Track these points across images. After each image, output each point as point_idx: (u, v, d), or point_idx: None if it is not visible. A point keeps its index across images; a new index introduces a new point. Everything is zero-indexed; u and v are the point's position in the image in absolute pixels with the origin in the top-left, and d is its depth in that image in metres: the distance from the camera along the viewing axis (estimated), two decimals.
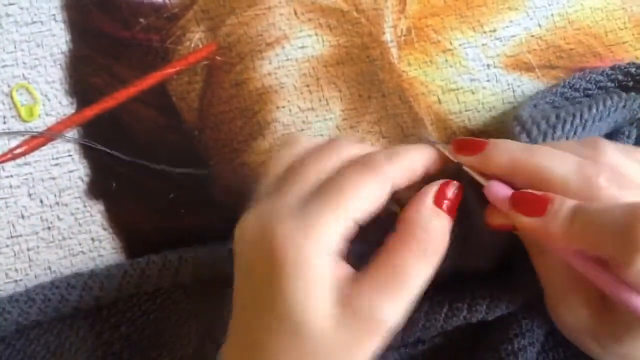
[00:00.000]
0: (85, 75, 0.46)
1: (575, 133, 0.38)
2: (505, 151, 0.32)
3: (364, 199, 0.30)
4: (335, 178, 0.30)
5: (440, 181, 0.32)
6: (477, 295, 0.35)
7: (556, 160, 0.30)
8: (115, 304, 0.42)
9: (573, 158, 0.30)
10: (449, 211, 0.31)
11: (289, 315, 0.28)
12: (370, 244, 0.31)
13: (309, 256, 0.28)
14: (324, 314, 0.28)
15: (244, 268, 0.31)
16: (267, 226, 0.29)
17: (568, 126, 0.37)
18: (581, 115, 0.38)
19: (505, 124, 0.45)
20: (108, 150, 0.44)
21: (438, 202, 0.31)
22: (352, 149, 0.33)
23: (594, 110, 0.38)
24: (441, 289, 0.36)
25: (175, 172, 0.44)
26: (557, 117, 0.37)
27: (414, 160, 0.32)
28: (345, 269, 0.30)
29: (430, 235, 0.30)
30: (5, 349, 0.41)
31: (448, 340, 0.38)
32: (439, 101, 0.47)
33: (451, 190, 0.31)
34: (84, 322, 0.41)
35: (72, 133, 0.45)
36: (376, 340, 0.29)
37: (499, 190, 0.31)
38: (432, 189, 0.31)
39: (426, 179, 0.33)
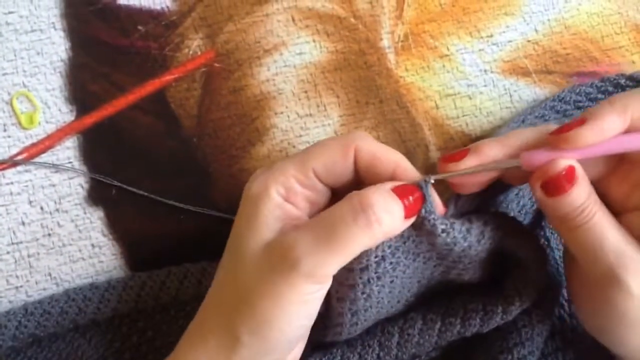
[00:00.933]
0: (84, 82, 0.47)
1: None
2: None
3: (325, 152, 0.33)
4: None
5: (403, 182, 0.32)
6: (470, 309, 0.35)
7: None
8: (129, 314, 0.42)
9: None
10: (407, 209, 0.31)
11: (235, 239, 0.33)
12: None
13: (261, 191, 0.33)
14: (257, 243, 0.31)
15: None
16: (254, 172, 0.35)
17: None
18: None
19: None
20: (123, 186, 0.45)
21: (397, 192, 0.31)
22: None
23: None
24: (433, 303, 0.36)
25: (191, 209, 0.45)
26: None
27: (386, 150, 0.33)
28: (294, 210, 0.33)
29: (380, 206, 0.30)
30: (16, 356, 0.41)
31: (444, 352, 0.38)
32: (437, 106, 0.47)
33: (412, 192, 0.32)
34: (96, 330, 0.41)
35: (72, 140, 0.46)
36: (288, 282, 0.30)
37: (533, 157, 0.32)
38: (394, 182, 0.32)
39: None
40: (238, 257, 0.32)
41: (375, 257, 0.32)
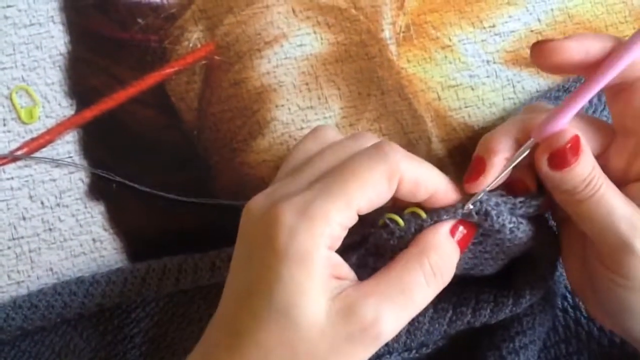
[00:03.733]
0: (84, 76, 0.46)
1: None
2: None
3: (371, 188, 0.29)
4: (345, 164, 0.30)
5: (458, 219, 0.32)
6: (481, 299, 0.35)
7: None
8: (120, 305, 0.42)
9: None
10: (460, 245, 0.31)
11: (281, 305, 0.28)
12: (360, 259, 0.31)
13: (309, 249, 0.28)
14: (317, 310, 0.28)
15: (244, 248, 0.30)
16: (273, 207, 0.29)
17: None
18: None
19: None
20: (123, 181, 0.44)
21: (452, 233, 0.31)
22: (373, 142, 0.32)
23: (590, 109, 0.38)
24: (444, 292, 0.35)
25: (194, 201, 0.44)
26: None
27: (430, 176, 0.31)
28: (344, 267, 0.30)
29: (444, 260, 0.30)
30: (10, 349, 0.41)
31: (451, 342, 0.38)
32: (439, 98, 0.47)
33: (466, 227, 0.31)
34: (88, 323, 0.42)
35: (72, 134, 0.45)
36: (369, 351, 0.29)
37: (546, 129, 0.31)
38: (450, 221, 0.31)
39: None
40: (292, 326, 0.28)
41: None
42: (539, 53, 0.31)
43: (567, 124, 0.31)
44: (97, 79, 0.46)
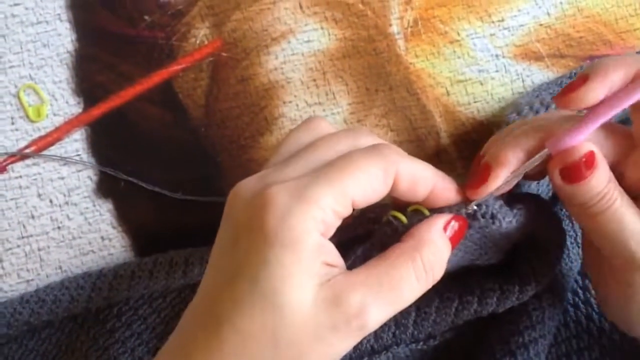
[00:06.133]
0: (91, 74, 0.46)
1: None
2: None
3: (366, 180, 0.29)
4: (342, 157, 0.30)
5: (452, 214, 0.31)
6: (487, 288, 0.35)
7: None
8: (127, 302, 0.42)
9: None
10: (452, 241, 0.31)
11: (266, 289, 0.27)
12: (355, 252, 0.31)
13: (300, 232, 0.27)
14: (303, 296, 0.27)
15: (230, 232, 0.30)
16: (265, 189, 0.28)
17: None
18: None
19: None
20: (130, 179, 0.44)
21: (444, 229, 0.31)
22: (368, 139, 0.32)
23: None
24: (450, 282, 0.35)
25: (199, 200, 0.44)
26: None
27: (427, 172, 0.31)
28: (334, 254, 0.29)
29: (436, 257, 0.30)
30: (18, 348, 0.41)
31: (458, 334, 0.38)
32: (447, 93, 0.47)
33: (458, 224, 0.31)
34: (95, 320, 0.42)
35: (80, 132, 0.45)
36: (352, 340, 0.28)
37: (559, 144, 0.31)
38: (444, 216, 0.31)
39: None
40: (276, 312, 0.27)
41: None
42: (566, 104, 0.31)
43: (584, 139, 0.30)
44: (104, 76, 0.46)
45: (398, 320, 0.36)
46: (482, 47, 0.47)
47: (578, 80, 0.30)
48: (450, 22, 0.48)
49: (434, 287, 0.32)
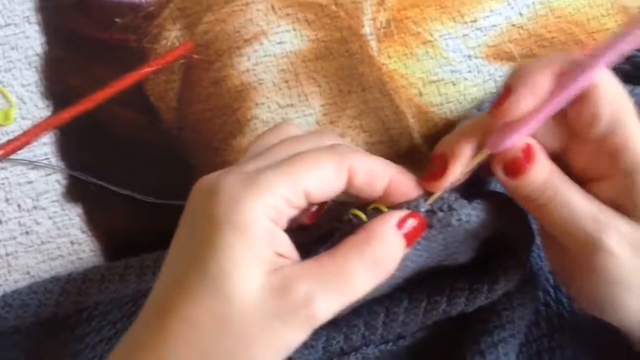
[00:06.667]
0: (61, 77, 0.46)
1: None
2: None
3: (318, 172, 0.29)
4: (298, 153, 0.30)
5: (408, 211, 0.31)
6: (456, 288, 0.35)
7: None
8: (97, 306, 0.41)
9: None
10: (407, 238, 0.31)
11: (214, 274, 0.27)
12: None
13: (249, 217, 0.27)
14: (251, 282, 0.27)
15: (190, 225, 0.30)
16: (220, 181, 0.29)
17: None
18: None
19: None
20: (100, 183, 0.44)
21: (400, 226, 0.30)
22: (332, 140, 0.32)
23: None
24: (420, 282, 0.35)
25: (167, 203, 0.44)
26: None
27: (382, 166, 0.31)
28: (288, 246, 0.29)
29: (387, 251, 0.30)
30: None
31: (430, 334, 0.38)
32: (420, 94, 0.46)
33: (415, 221, 0.31)
34: (64, 326, 0.41)
35: (49, 136, 0.45)
36: (301, 332, 0.28)
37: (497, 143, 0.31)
38: (399, 212, 0.31)
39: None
40: (224, 298, 0.27)
41: None
42: (498, 118, 0.31)
43: (521, 139, 0.31)
44: (75, 79, 0.46)
45: (367, 322, 0.36)
46: (455, 47, 0.47)
47: (504, 91, 0.31)
48: (422, 23, 0.47)
49: (403, 287, 0.32)
